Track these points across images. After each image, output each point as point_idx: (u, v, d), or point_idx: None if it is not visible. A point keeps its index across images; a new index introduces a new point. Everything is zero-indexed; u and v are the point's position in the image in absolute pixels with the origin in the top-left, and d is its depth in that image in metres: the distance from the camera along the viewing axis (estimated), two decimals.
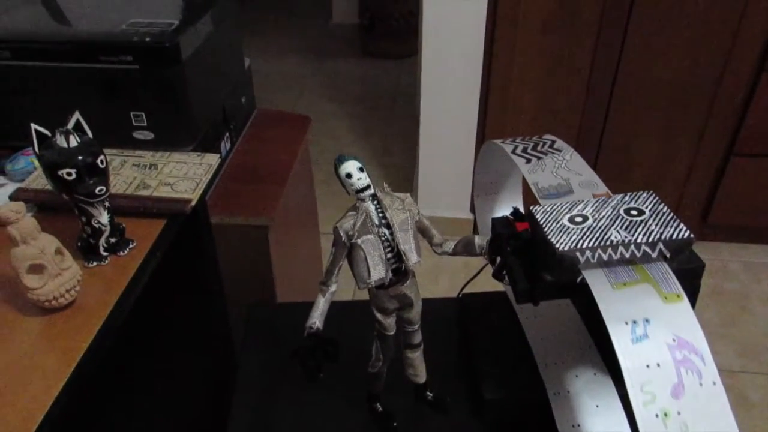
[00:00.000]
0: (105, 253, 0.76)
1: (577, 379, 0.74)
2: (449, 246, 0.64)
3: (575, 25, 1.69)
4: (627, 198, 0.65)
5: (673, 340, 0.53)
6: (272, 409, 0.76)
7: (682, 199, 1.95)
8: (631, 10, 1.64)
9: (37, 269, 0.65)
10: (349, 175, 0.60)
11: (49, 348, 0.65)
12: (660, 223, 0.60)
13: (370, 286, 0.61)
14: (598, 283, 0.56)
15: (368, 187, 0.60)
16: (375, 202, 0.61)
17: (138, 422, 1.19)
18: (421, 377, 0.74)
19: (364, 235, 0.60)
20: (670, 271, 0.57)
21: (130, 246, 0.78)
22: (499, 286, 0.83)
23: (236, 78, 1.15)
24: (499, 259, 0.62)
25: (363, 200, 0.60)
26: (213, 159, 0.92)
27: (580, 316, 0.78)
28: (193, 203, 0.84)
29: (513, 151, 0.76)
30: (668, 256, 0.59)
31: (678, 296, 0.55)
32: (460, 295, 0.91)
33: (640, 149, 1.87)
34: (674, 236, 0.59)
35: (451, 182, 2.03)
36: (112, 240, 0.76)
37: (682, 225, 0.60)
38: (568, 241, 0.59)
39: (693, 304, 0.67)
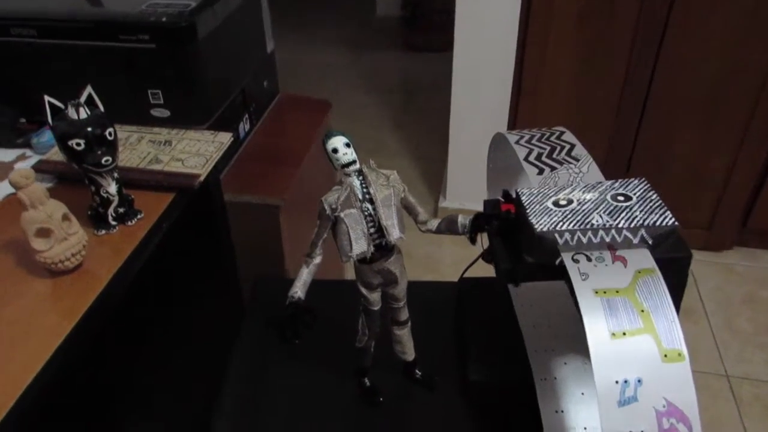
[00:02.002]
0: (114, 223, 0.80)
1: (566, 366, 0.73)
2: (433, 224, 0.65)
3: (612, 15, 1.64)
4: (617, 184, 0.64)
5: (664, 406, 0.49)
6: (264, 380, 0.79)
7: (721, 202, 1.88)
8: None
9: (44, 233, 0.69)
10: (335, 150, 0.61)
11: (53, 308, 0.69)
12: (645, 210, 0.59)
13: (352, 259, 0.62)
14: (595, 329, 0.51)
15: (353, 162, 0.61)
16: (360, 177, 0.62)
17: (146, 392, 1.24)
18: (409, 355, 0.74)
19: (347, 209, 0.61)
20: (677, 322, 0.51)
21: (138, 217, 0.82)
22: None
23: (258, 61, 1.18)
24: (487, 242, 0.63)
25: (348, 175, 0.62)
26: (225, 137, 0.95)
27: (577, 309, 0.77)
28: (202, 179, 0.87)
29: (526, 158, 0.73)
30: (650, 242, 0.58)
31: (680, 355, 0.50)
32: (460, 279, 0.91)
33: (677, 147, 1.81)
34: (657, 223, 0.58)
35: (480, 175, 2.00)
36: (121, 210, 0.79)
37: (668, 212, 0.59)
38: (549, 222, 0.59)
39: (679, 297, 0.65)
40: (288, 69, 3.08)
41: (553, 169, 0.70)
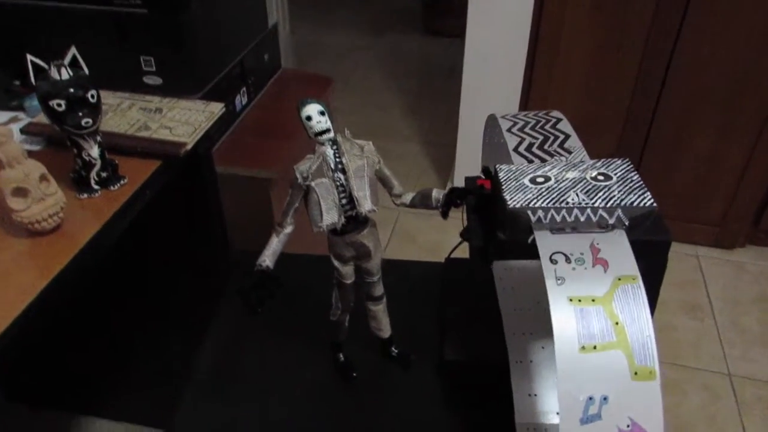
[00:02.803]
0: (96, 187, 0.79)
1: (543, 351, 0.72)
2: (407, 198, 0.64)
3: (629, 2, 1.60)
4: (599, 164, 0.62)
5: (628, 425, 0.47)
6: (238, 351, 0.78)
7: (734, 199, 1.83)
8: None
9: (21, 192, 0.69)
10: (309, 118, 0.60)
11: (29, 266, 0.69)
12: (624, 190, 0.57)
13: (321, 230, 0.61)
14: (564, 341, 0.48)
15: (327, 131, 0.60)
16: (334, 147, 0.61)
17: (127, 359, 1.25)
18: (385, 332, 0.73)
19: (319, 179, 0.60)
20: (653, 337, 0.49)
21: (122, 182, 0.81)
22: None
23: (258, 35, 1.17)
24: (466, 219, 0.61)
25: (322, 144, 0.61)
26: (217, 108, 0.94)
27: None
28: (188, 147, 0.86)
29: (516, 149, 0.70)
30: (627, 223, 0.56)
31: (651, 373, 0.48)
32: (446, 260, 0.89)
33: (691, 141, 1.76)
34: (635, 203, 0.56)
35: None
36: (104, 174, 0.79)
37: (647, 194, 0.57)
38: (522, 199, 0.57)
39: (658, 283, 0.64)
40: (305, 49, 3.08)
41: (543, 161, 0.67)
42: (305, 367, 0.76)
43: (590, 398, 0.47)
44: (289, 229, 0.64)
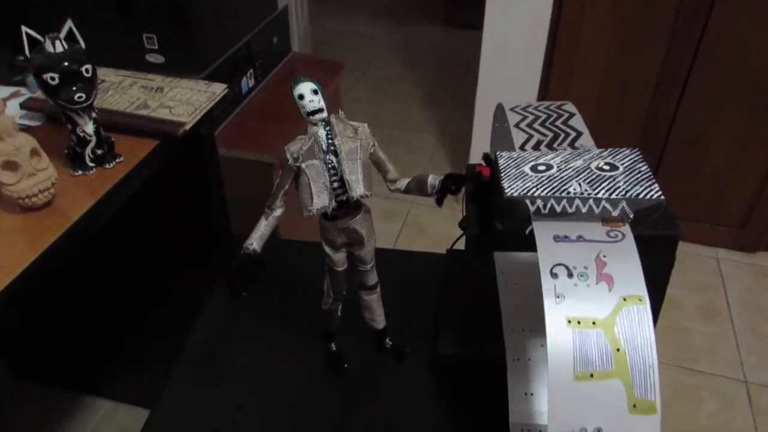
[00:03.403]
0: (91, 164, 0.78)
1: (542, 349, 0.69)
2: (402, 183, 0.61)
3: None
4: (605, 153, 0.58)
5: None
6: (228, 337, 0.76)
7: (757, 201, 1.77)
8: None
9: (11, 166, 0.68)
10: (301, 96, 0.57)
11: (18, 241, 0.68)
12: (630, 181, 0.54)
13: (311, 213, 0.59)
14: (559, 367, 0.44)
15: (319, 111, 0.57)
16: (327, 128, 0.58)
17: (125, 338, 1.25)
18: (379, 323, 0.71)
19: (310, 160, 0.58)
20: (656, 368, 0.44)
21: (118, 160, 0.80)
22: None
23: (266, 17, 1.15)
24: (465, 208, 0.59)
25: (314, 124, 0.58)
26: (219, 88, 0.92)
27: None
28: (187, 127, 0.85)
29: (522, 147, 0.65)
30: (631, 216, 0.53)
31: (651, 407, 0.43)
32: (448, 251, 0.87)
33: (715, 138, 1.70)
34: (641, 195, 0.52)
35: None
36: (99, 152, 0.78)
37: (655, 185, 0.53)
38: (521, 187, 0.54)
39: (665, 282, 0.60)
40: (324, 38, 3.06)
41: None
42: (295, 355, 0.74)
43: (583, 429, 0.43)
44: (278, 212, 0.61)
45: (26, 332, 1.40)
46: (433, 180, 0.59)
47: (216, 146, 0.99)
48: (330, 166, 0.58)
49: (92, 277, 1.25)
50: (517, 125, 0.69)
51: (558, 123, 0.69)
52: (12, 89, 0.93)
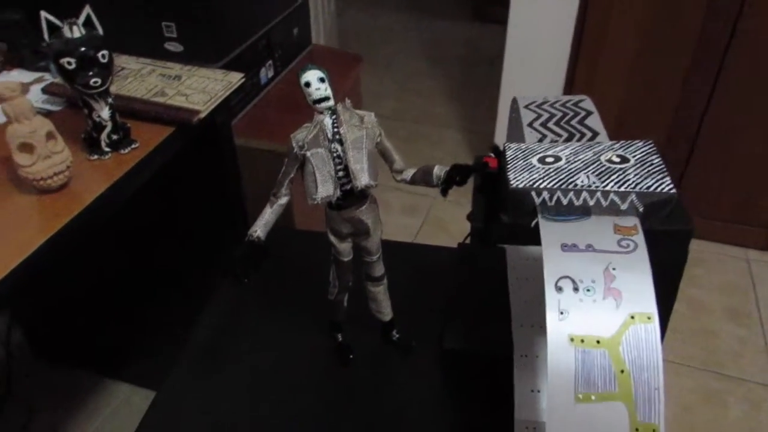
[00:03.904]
0: (107, 149, 0.79)
1: None
2: (408, 173, 0.60)
3: None
4: (617, 145, 0.57)
5: None
6: (238, 322, 0.77)
7: None
8: None
9: (27, 148, 0.69)
10: (308, 84, 0.57)
11: (32, 223, 0.70)
12: (641, 174, 0.52)
13: (316, 202, 0.58)
14: (559, 388, 0.43)
15: (326, 99, 0.57)
16: (333, 116, 0.58)
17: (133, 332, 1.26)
18: (386, 314, 0.70)
19: (315, 148, 0.57)
20: (662, 391, 0.42)
21: (133, 146, 0.81)
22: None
23: (286, 9, 1.15)
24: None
25: (320, 112, 0.58)
26: (235, 77, 0.92)
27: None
28: (202, 115, 0.85)
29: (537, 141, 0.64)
30: (641, 210, 0.51)
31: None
32: (460, 245, 0.86)
33: (744, 138, 1.65)
34: (652, 188, 0.51)
35: None
36: (115, 137, 0.79)
37: (667, 178, 0.52)
38: (527, 179, 0.53)
39: (676, 279, 0.58)
40: (350, 31, 3.05)
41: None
42: (302, 344, 0.74)
43: None
44: (283, 199, 0.61)
45: (49, 315, 1.44)
46: (439, 170, 0.58)
47: (232, 135, 0.99)
48: (335, 154, 0.57)
49: (114, 264, 1.27)
50: (530, 124, 0.67)
51: (573, 122, 0.67)
52: (36, 75, 0.95)
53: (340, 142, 0.57)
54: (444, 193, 0.57)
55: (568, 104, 0.70)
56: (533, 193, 0.52)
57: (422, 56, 2.96)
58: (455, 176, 0.56)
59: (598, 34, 1.63)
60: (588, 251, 0.47)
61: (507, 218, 0.55)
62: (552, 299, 0.45)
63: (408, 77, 2.78)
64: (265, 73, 1.12)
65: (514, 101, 0.74)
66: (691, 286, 1.67)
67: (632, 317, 0.44)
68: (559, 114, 0.68)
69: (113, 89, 0.86)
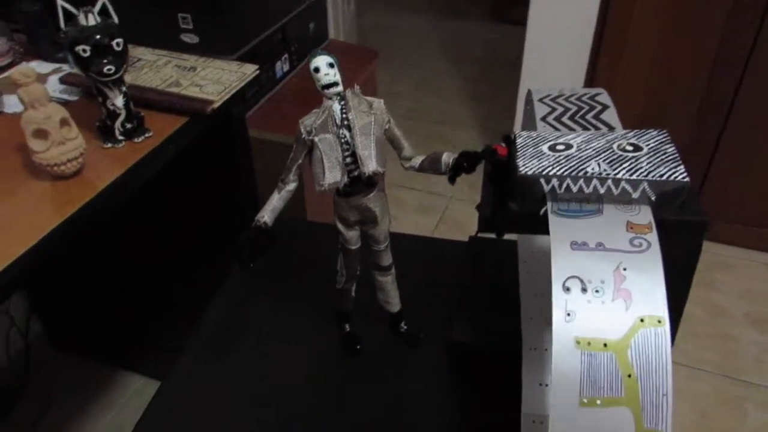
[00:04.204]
0: (121, 137, 0.80)
1: None
2: (417, 161, 0.60)
3: None
4: (630, 134, 0.56)
5: None
6: (246, 312, 0.77)
7: None
8: None
9: (41, 134, 0.70)
10: (317, 69, 0.57)
11: (44, 207, 0.70)
12: (655, 162, 0.51)
13: (323, 188, 0.58)
14: (563, 393, 0.41)
15: (334, 84, 0.57)
16: (342, 102, 0.58)
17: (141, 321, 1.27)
18: (394, 305, 0.70)
19: (323, 134, 0.57)
20: (670, 397, 0.41)
21: (146, 135, 0.81)
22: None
23: (303, 3, 1.15)
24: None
25: (329, 98, 0.58)
26: (250, 69, 0.93)
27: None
28: (215, 105, 0.85)
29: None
30: (653, 199, 0.50)
31: None
32: (471, 238, 0.85)
33: None
34: (665, 177, 0.49)
35: None
36: (128, 126, 0.79)
37: (681, 167, 0.50)
38: (537, 166, 0.52)
39: (689, 274, 0.57)
40: (370, 30, 3.06)
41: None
42: (310, 334, 0.74)
43: None
44: (291, 186, 0.61)
45: (67, 307, 1.46)
46: (447, 158, 0.58)
47: (246, 127, 1.00)
48: (343, 140, 0.57)
49: (129, 256, 1.28)
50: (544, 118, 0.66)
51: (588, 116, 0.66)
52: (54, 65, 0.96)
53: (349, 128, 0.57)
54: (452, 180, 0.57)
55: (583, 98, 0.69)
56: (542, 180, 0.51)
57: (441, 57, 2.95)
58: (463, 163, 0.55)
59: (619, 32, 1.60)
60: (598, 250, 0.46)
61: (515, 206, 0.54)
62: (559, 300, 0.44)
63: (426, 77, 2.77)
64: (281, 66, 1.13)
65: (529, 94, 0.73)
66: (712, 290, 1.64)
67: (642, 320, 0.42)
68: (574, 108, 0.67)
69: (129, 79, 0.87)
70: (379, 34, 3.08)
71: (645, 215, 0.48)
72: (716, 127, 1.64)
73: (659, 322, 0.42)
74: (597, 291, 0.44)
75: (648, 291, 0.43)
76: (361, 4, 2.52)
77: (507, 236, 0.82)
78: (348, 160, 0.58)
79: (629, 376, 0.41)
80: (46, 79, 0.93)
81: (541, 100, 0.69)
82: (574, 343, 0.42)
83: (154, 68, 0.92)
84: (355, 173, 0.58)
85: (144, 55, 0.95)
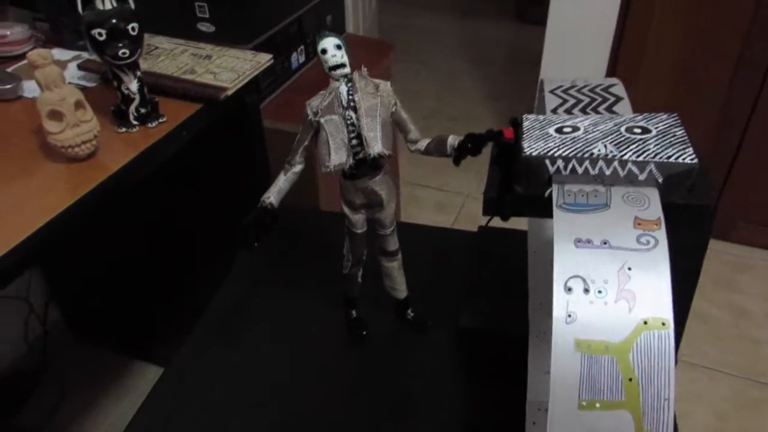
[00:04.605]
0: (135, 122, 0.81)
1: None
2: (423, 144, 0.59)
3: None
4: (639, 117, 0.55)
5: None
6: (253, 298, 0.77)
7: None
8: None
9: (56, 116, 0.71)
10: (324, 51, 0.57)
11: (57, 188, 0.71)
12: (663, 144, 0.50)
13: (329, 170, 0.58)
14: (562, 395, 0.41)
15: (341, 66, 0.57)
16: (349, 84, 0.58)
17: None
18: (400, 292, 0.70)
19: (329, 115, 0.57)
20: (671, 401, 0.40)
21: (160, 120, 0.82)
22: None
23: None
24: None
25: (335, 79, 0.58)
26: (264, 58, 0.94)
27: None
28: (229, 93, 0.86)
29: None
30: (660, 181, 0.49)
31: None
32: (480, 228, 0.84)
33: None
34: (673, 158, 0.49)
35: None
36: (143, 110, 0.80)
37: (689, 149, 0.49)
38: (542, 147, 0.51)
39: (699, 260, 0.55)
40: (391, 30, 3.06)
41: None
42: (317, 321, 0.74)
43: None
44: (298, 167, 0.61)
45: (84, 295, 1.48)
46: (453, 140, 0.57)
47: (261, 116, 1.00)
48: (349, 122, 0.57)
49: (147, 246, 1.30)
50: (554, 110, 0.65)
51: (601, 109, 0.64)
52: (74, 53, 0.98)
53: (355, 109, 0.57)
54: (457, 161, 0.56)
55: (597, 89, 0.68)
56: (547, 162, 0.50)
57: (463, 56, 2.94)
58: (468, 144, 0.55)
59: (640, 34, 1.58)
60: (603, 248, 0.44)
61: (521, 189, 0.53)
62: (560, 300, 0.42)
63: (447, 76, 2.76)
64: (297, 58, 1.13)
65: (541, 83, 0.72)
66: (734, 292, 1.61)
67: (645, 322, 0.41)
68: (587, 100, 0.66)
69: (145, 66, 0.88)
70: (401, 34, 3.08)
71: (654, 210, 0.46)
72: (738, 128, 1.61)
73: (663, 324, 0.41)
74: (600, 291, 0.42)
75: (653, 292, 0.42)
76: (383, 3, 2.53)
77: (517, 227, 0.82)
78: (354, 141, 0.58)
79: (630, 379, 0.40)
80: (66, 66, 0.95)
81: (552, 91, 0.68)
82: (574, 346, 0.41)
83: (170, 56, 0.93)
84: (361, 155, 0.58)
85: (161, 44, 0.96)
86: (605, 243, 0.44)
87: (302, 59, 1.15)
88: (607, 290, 0.42)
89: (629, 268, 0.42)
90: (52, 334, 1.50)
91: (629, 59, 1.63)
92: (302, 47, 1.14)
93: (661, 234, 0.44)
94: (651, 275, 0.42)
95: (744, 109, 1.58)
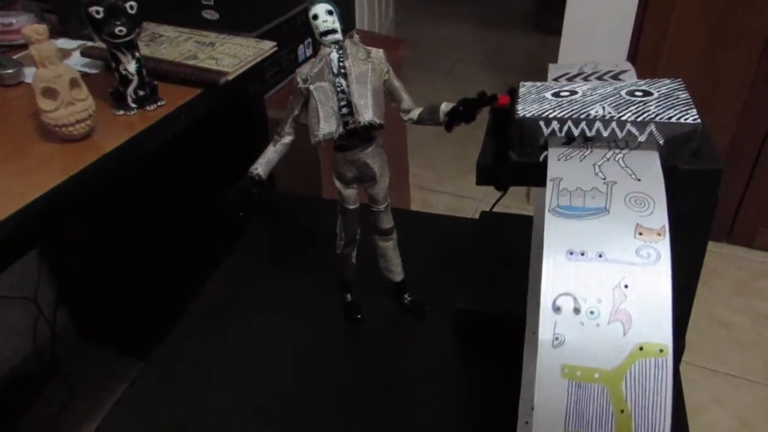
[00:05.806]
0: (133, 105, 0.80)
1: None
2: (416, 113, 0.58)
3: None
4: (642, 82, 0.52)
5: None
6: (247, 284, 0.75)
7: None
8: None
9: (51, 93, 0.70)
10: (315, 17, 0.56)
11: (51, 167, 0.71)
12: (664, 106, 0.47)
13: (318, 139, 0.56)
14: (545, 419, 0.37)
15: (332, 31, 0.55)
16: (340, 51, 0.56)
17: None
18: (396, 274, 0.67)
19: (319, 82, 0.55)
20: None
21: (159, 103, 0.82)
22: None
23: None
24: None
25: (326, 46, 0.56)
26: (267, 45, 0.93)
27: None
28: (229, 77, 0.85)
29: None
30: (661, 143, 0.46)
31: None
32: (482, 214, 0.81)
33: None
34: (674, 118, 0.46)
35: None
36: (141, 93, 0.80)
37: (692, 110, 0.46)
38: (538, 109, 0.49)
39: (706, 226, 0.52)
40: (410, 40, 3.06)
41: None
42: (312, 306, 0.71)
43: None
44: (287, 139, 0.60)
45: (93, 297, 1.48)
46: (446, 107, 0.55)
47: (264, 106, 0.99)
48: (339, 89, 0.55)
49: (155, 249, 1.29)
50: (556, 80, 0.63)
51: (606, 78, 0.62)
52: (79, 42, 0.98)
53: (345, 76, 0.55)
54: (449, 127, 0.54)
55: (606, 76, 0.65)
56: (542, 123, 0.48)
57: (481, 65, 2.93)
58: (459, 108, 0.53)
59: (657, 40, 1.55)
60: (598, 261, 0.39)
61: (515, 155, 0.51)
62: (547, 321, 0.38)
63: (465, 85, 2.75)
64: (303, 50, 1.13)
65: (548, 71, 0.70)
66: (755, 298, 1.54)
67: (641, 348, 0.36)
68: (590, 71, 0.64)
69: (147, 52, 0.88)
70: (421, 44, 3.08)
71: (659, 216, 0.40)
72: (759, 132, 1.56)
73: (661, 351, 0.36)
74: (592, 312, 0.38)
75: (651, 314, 0.37)
76: (402, 15, 2.53)
77: (521, 213, 0.79)
78: (344, 110, 0.56)
79: (622, 411, 0.36)
80: (71, 54, 0.95)
81: (556, 80, 0.65)
82: (560, 371, 0.37)
83: (174, 44, 0.93)
84: (351, 124, 0.56)
85: (166, 32, 0.96)
86: (600, 256, 0.39)
87: (309, 52, 1.15)
88: (600, 310, 0.37)
89: (626, 286, 0.38)
90: (61, 338, 1.50)
91: (647, 64, 1.60)
92: (309, 40, 1.13)
93: (664, 245, 0.39)
94: (650, 294, 0.37)
95: (764, 115, 1.53)
